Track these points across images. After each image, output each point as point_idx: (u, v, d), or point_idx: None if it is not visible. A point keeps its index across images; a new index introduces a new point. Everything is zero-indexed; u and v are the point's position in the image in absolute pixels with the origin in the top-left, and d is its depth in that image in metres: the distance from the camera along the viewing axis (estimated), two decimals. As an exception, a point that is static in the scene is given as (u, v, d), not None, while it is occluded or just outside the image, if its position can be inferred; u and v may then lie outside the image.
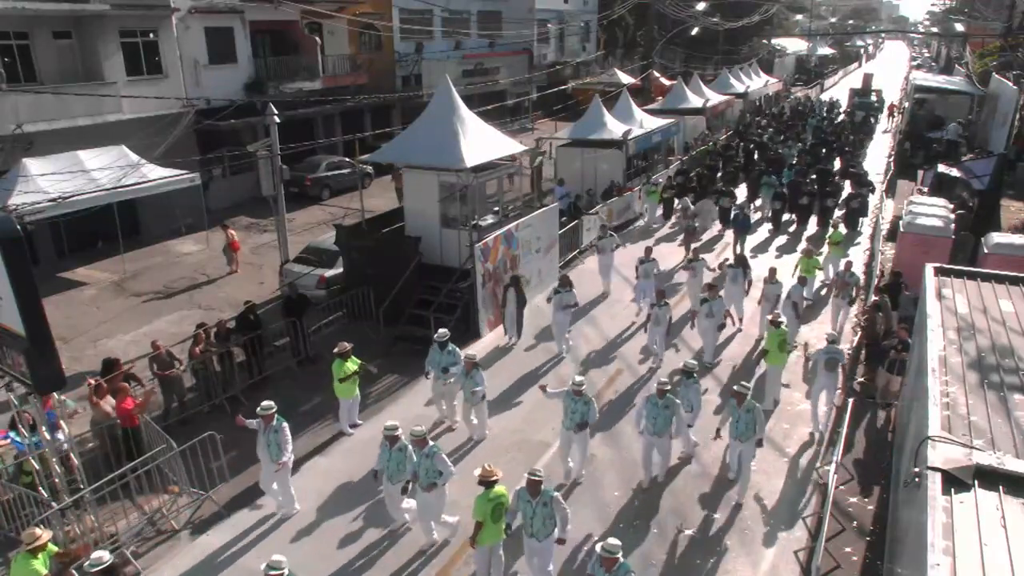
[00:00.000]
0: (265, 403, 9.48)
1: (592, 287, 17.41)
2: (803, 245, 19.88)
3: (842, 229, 19.97)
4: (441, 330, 11.78)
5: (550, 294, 14.73)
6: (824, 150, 30.84)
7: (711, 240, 21.70)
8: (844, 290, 14.73)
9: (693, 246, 19.34)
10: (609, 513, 9.70)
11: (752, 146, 32.10)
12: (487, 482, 7.91)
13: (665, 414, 9.72)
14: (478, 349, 14.26)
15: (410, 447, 8.88)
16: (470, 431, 11.49)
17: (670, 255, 20.00)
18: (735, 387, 9.77)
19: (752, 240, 21.03)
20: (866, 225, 22.06)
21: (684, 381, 10.87)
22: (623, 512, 9.73)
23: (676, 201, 23.45)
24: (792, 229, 22.54)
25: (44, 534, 7.44)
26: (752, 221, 21.56)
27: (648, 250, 16.05)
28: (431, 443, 8.76)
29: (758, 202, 24.21)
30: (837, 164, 28.64)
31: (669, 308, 13.67)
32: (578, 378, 9.94)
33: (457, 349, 11.59)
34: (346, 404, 11.72)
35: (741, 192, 24.85)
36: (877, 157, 33.13)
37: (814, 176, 24.55)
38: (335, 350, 11.55)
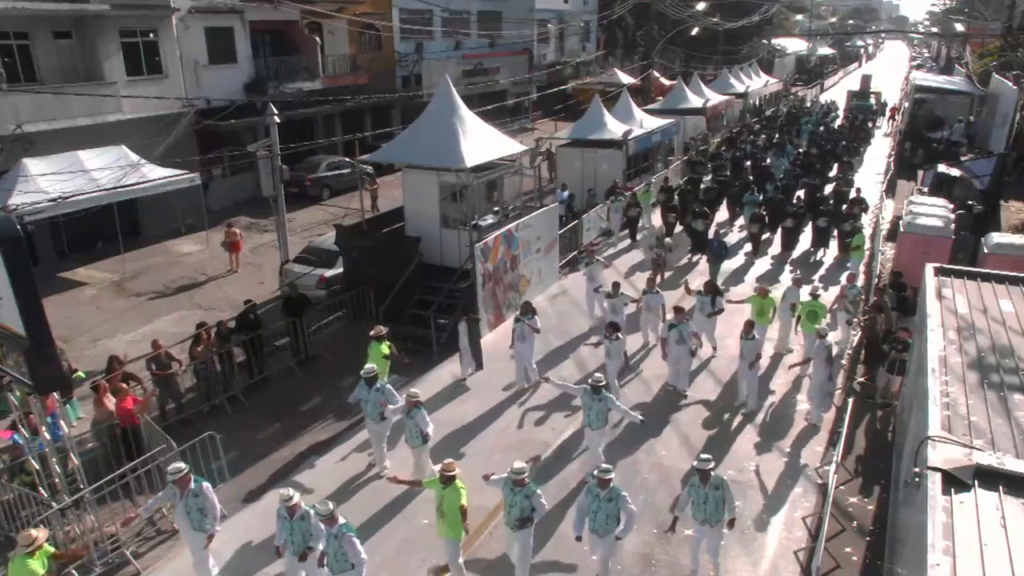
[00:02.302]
0: (174, 465, 8.02)
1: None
2: (790, 272, 17.76)
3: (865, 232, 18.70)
4: (368, 365, 10.41)
5: (513, 323, 13.01)
6: (818, 163, 27.57)
7: (684, 266, 19.12)
8: (842, 302, 14.08)
9: (665, 275, 17.35)
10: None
11: (740, 155, 29.10)
12: (448, 476, 7.83)
13: (608, 508, 7.69)
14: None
15: (313, 514, 7.55)
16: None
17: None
18: (695, 463, 8.02)
19: (728, 266, 18.62)
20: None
21: (590, 395, 9.84)
22: (623, 512, 9.72)
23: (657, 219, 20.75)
24: (775, 254, 19.98)
25: (40, 535, 7.38)
26: (732, 245, 19.29)
27: (616, 285, 14.33)
28: (341, 521, 7.40)
29: (740, 221, 22.00)
30: (834, 173, 26.92)
31: (622, 342, 12.19)
32: (518, 464, 7.94)
33: (389, 386, 10.37)
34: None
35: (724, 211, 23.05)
36: (877, 158, 33.11)
37: (802, 193, 22.61)
38: (371, 332, 11.72)
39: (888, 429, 11.61)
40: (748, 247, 20.30)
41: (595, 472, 7.95)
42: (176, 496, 7.96)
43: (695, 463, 8.08)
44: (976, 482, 5.52)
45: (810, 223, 20.00)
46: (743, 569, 8.74)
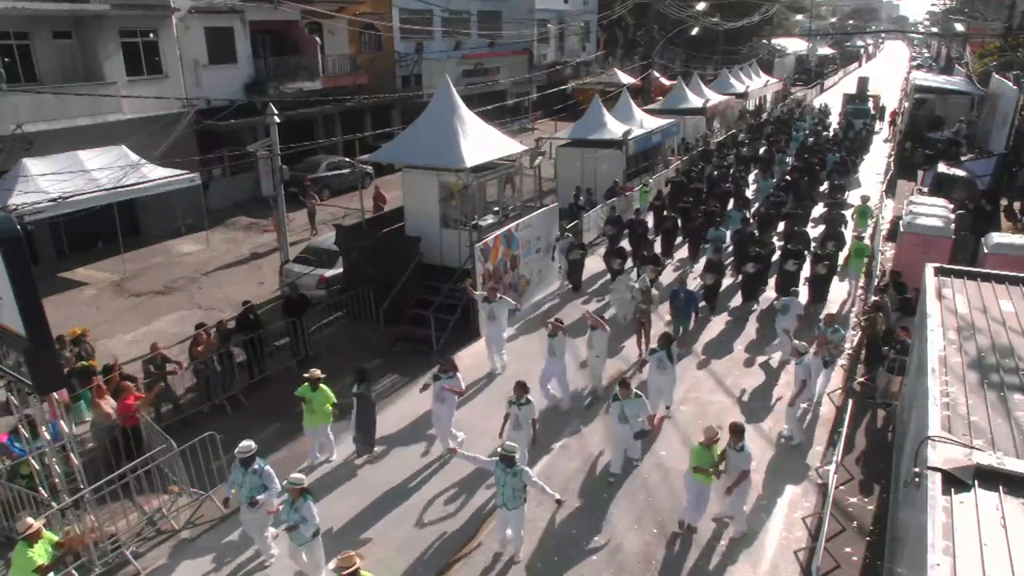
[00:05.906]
0: None
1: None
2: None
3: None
4: (243, 443, 8.60)
5: (428, 379, 10.96)
6: (805, 177, 23.62)
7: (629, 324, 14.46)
8: (824, 348, 11.88)
9: (648, 339, 13.66)
10: (610, 514, 9.70)
11: (719, 173, 24.92)
12: (350, 573, 6.68)
13: None
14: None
15: None
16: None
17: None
18: None
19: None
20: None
21: (503, 469, 8.37)
22: (623, 513, 9.72)
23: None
24: (737, 306, 16.00)
25: (36, 522, 7.49)
26: (697, 296, 14.86)
27: (556, 324, 12.09)
28: None
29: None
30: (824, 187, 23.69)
31: (533, 408, 10.03)
32: None
33: (267, 468, 8.65)
34: (313, 433, 10.70)
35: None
36: (877, 159, 33.06)
37: (785, 220, 18.76)
38: (305, 375, 10.53)
39: (888, 429, 11.61)
40: (714, 298, 15.77)
41: None
42: None
43: None
44: (976, 482, 5.51)
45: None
46: (743, 569, 8.74)
